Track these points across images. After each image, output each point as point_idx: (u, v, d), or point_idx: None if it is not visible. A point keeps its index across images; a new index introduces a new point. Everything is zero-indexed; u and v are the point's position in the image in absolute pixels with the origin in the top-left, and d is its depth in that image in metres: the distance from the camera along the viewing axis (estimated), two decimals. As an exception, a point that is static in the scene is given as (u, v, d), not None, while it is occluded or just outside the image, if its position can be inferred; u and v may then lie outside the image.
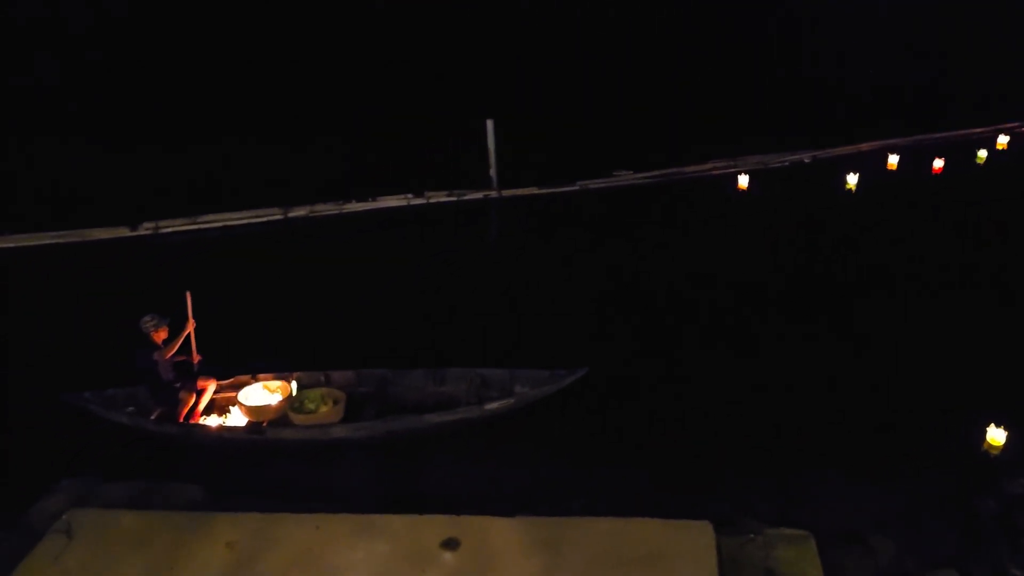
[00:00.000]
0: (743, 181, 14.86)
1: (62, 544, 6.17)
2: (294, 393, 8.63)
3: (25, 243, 13.87)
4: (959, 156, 16.99)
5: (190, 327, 8.44)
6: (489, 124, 15.43)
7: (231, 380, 8.87)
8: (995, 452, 7.88)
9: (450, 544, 6.07)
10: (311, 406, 8.38)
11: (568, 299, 11.59)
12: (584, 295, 11.72)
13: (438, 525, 6.27)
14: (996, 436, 7.92)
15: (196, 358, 8.56)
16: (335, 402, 8.45)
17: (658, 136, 18.87)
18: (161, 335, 8.17)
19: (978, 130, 19.34)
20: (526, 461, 8.02)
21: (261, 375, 8.94)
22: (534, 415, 8.60)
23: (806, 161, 17.44)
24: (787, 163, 17.36)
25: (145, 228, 14.32)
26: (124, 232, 14.25)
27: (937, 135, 19.01)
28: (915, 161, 16.30)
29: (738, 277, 12.12)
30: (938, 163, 15.89)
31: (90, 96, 23.02)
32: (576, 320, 10.91)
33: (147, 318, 8.13)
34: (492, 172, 15.70)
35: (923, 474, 7.68)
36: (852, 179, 15.00)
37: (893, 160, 15.98)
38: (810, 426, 8.47)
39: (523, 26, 30.90)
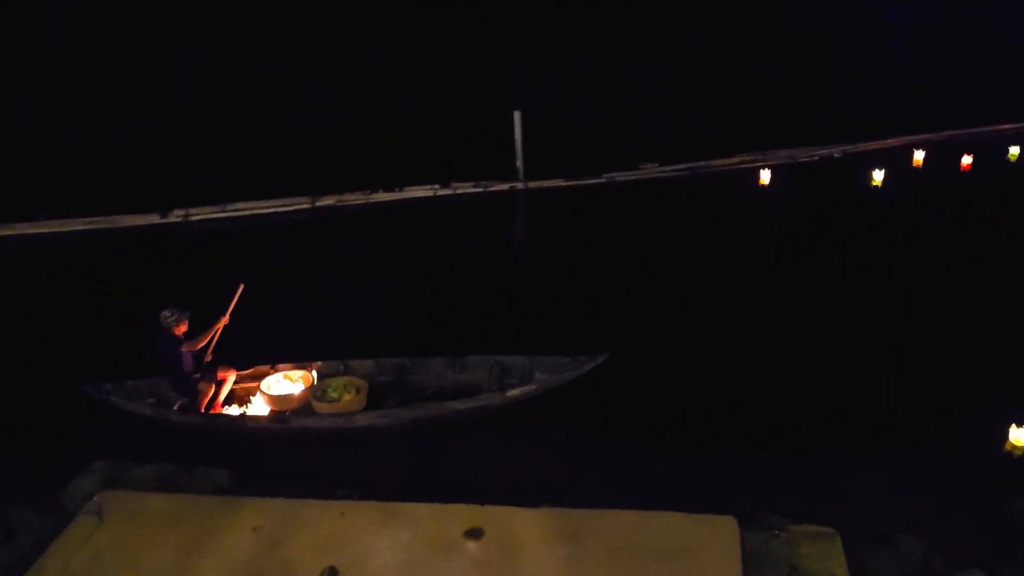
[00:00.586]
0: (765, 176, 14.69)
1: (93, 525, 6.29)
2: (315, 382, 8.69)
3: (58, 228, 14.09)
4: (989, 153, 16.61)
5: (223, 322, 8.43)
6: (517, 115, 15.40)
7: (250, 370, 8.90)
8: (1019, 453, 7.76)
9: (474, 534, 6.09)
10: (334, 395, 8.42)
11: (591, 288, 11.59)
12: (607, 285, 11.71)
13: (462, 514, 6.30)
14: (1020, 436, 7.78)
15: (198, 345, 8.34)
16: (357, 390, 8.48)
17: (687, 129, 18.72)
18: (181, 328, 8.13)
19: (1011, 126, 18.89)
20: (549, 450, 8.03)
21: (281, 365, 8.95)
22: (557, 402, 8.59)
23: (836, 156, 17.22)
24: (816, 158, 17.14)
25: (176, 215, 14.49)
26: (155, 219, 14.42)
27: (967, 131, 18.55)
28: (942, 158, 15.97)
29: (767, 269, 12.03)
30: (966, 160, 15.50)
31: (122, 80, 23.29)
32: (599, 308, 10.88)
33: (167, 312, 8.10)
34: (519, 164, 15.68)
35: (952, 473, 7.57)
36: (878, 175, 14.74)
37: (919, 156, 15.64)
38: (838, 422, 8.40)
39: (552, 17, 30.77)
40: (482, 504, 6.41)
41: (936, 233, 13.21)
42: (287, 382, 8.75)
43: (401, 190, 15.39)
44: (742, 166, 16.53)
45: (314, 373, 8.83)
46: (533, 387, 8.57)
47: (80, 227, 14.17)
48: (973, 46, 26.82)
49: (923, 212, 14.07)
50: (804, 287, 11.46)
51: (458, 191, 15.54)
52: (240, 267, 12.17)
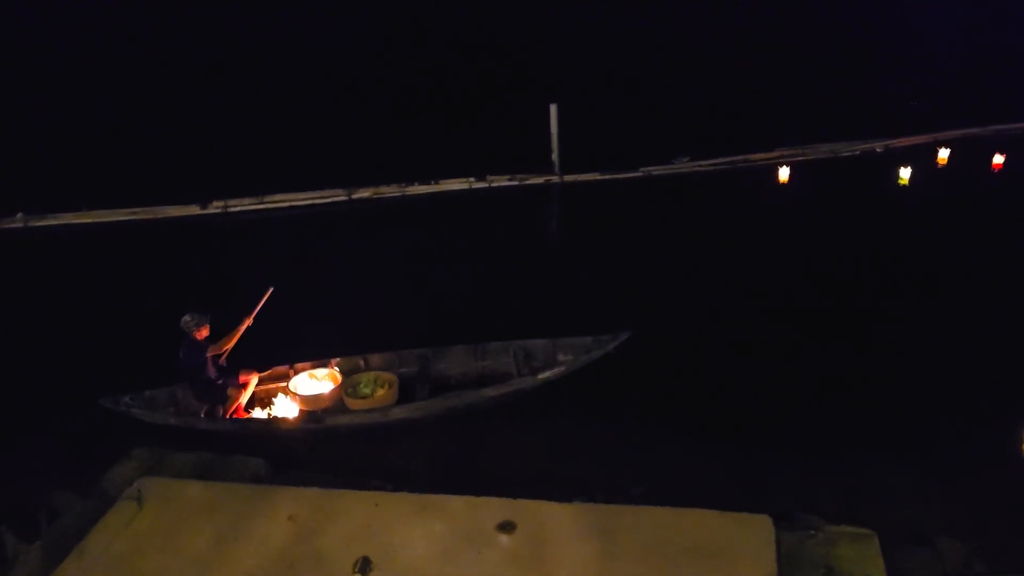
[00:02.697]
0: (783, 174, 14.36)
1: (133, 511, 6.42)
2: (340, 379, 8.63)
3: (102, 219, 14.39)
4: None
5: (247, 323, 8.30)
6: (553, 108, 15.34)
7: (269, 371, 8.76)
8: None
9: (506, 527, 6.10)
10: (366, 390, 8.44)
11: (624, 281, 11.55)
12: (642, 277, 11.66)
13: (494, 507, 6.31)
14: None
15: (224, 348, 8.26)
16: (389, 385, 8.48)
17: (728, 122, 18.48)
18: (203, 333, 7.96)
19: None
20: (582, 443, 8.03)
21: (299, 364, 8.89)
22: (590, 394, 8.58)
23: (878, 151, 16.86)
24: (858, 152, 16.80)
25: (215, 207, 14.69)
26: (195, 211, 14.64)
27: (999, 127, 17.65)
28: (971, 156, 15.23)
29: (813, 266, 11.85)
30: (998, 159, 14.58)
31: (165, 74, 23.66)
32: (633, 300, 10.82)
33: (187, 317, 7.93)
34: (554, 157, 15.62)
35: (994, 476, 7.42)
36: (904, 172, 14.15)
37: (943, 155, 14.91)
38: (878, 421, 8.26)
39: (588, 10, 30.60)
40: (514, 497, 6.41)
41: (962, 234, 12.76)
42: (314, 381, 8.71)
43: (437, 183, 15.41)
44: (782, 161, 16.24)
45: (336, 370, 8.79)
46: (563, 368, 8.56)
47: (124, 217, 14.46)
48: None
49: (950, 212, 13.58)
50: (840, 284, 11.26)
51: (493, 184, 15.52)
52: (274, 259, 12.42)
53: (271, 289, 8.61)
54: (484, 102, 20.31)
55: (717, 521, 6.09)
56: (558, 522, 6.14)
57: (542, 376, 8.47)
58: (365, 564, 5.81)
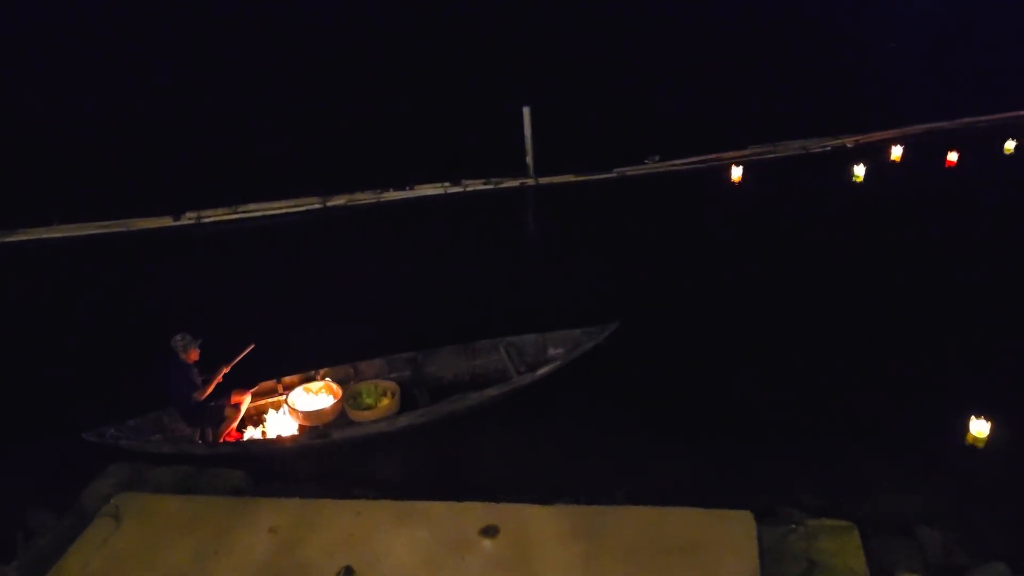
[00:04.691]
0: (736, 173, 14.30)
1: (111, 527, 6.34)
2: (335, 391, 8.50)
3: (73, 233, 14.19)
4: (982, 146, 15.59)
5: (225, 370, 8.05)
6: (526, 111, 15.35)
7: (255, 388, 8.53)
8: (980, 445, 7.65)
9: (489, 531, 6.10)
10: (369, 400, 8.32)
11: (601, 280, 11.58)
12: (619, 277, 11.73)
13: (477, 512, 6.31)
14: (980, 429, 7.67)
15: (204, 394, 7.93)
16: (392, 394, 8.37)
17: (698, 122, 18.60)
18: (192, 355, 7.83)
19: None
20: (564, 445, 8.04)
21: (286, 378, 8.73)
22: (571, 397, 8.60)
23: (848, 146, 17.05)
24: (829, 148, 16.98)
25: (188, 218, 14.54)
26: (168, 222, 14.49)
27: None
28: (927, 153, 15.28)
29: (777, 262, 11.97)
30: (952, 156, 14.42)
31: (131, 85, 23.43)
32: (609, 300, 10.81)
33: (178, 337, 7.80)
34: (529, 160, 15.63)
35: (970, 466, 7.52)
36: (859, 170, 14.04)
37: (897, 152, 14.80)
38: (855, 415, 8.35)
39: (558, 14, 30.68)
40: (497, 501, 6.41)
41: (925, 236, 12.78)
42: (311, 396, 8.53)
43: (412, 188, 15.36)
44: (753, 158, 16.36)
45: (330, 381, 8.64)
46: (558, 361, 8.59)
47: (95, 231, 14.25)
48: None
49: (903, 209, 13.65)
50: (812, 281, 11.36)
51: (468, 188, 15.50)
52: (251, 270, 12.32)
53: (252, 346, 8.32)
54: (457, 107, 20.28)
55: (700, 518, 6.13)
56: (541, 525, 6.15)
57: (541, 372, 8.50)
58: (348, 574, 5.79)
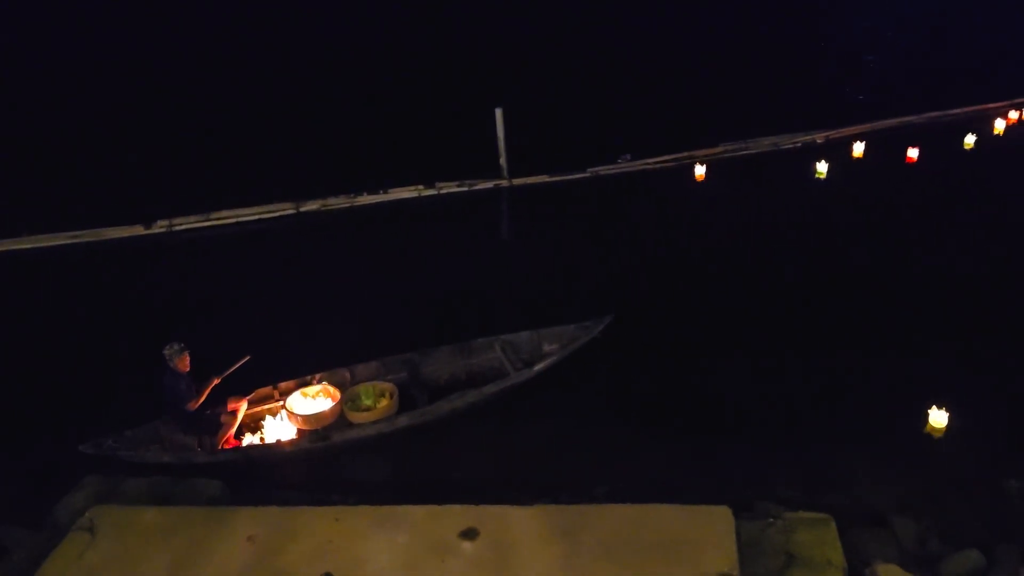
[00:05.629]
0: (700, 171, 14.41)
1: (86, 541, 6.24)
2: (332, 394, 8.47)
3: (42, 243, 13.98)
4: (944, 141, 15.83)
5: (215, 382, 8.02)
6: (498, 113, 15.36)
7: (251, 395, 8.50)
8: (938, 435, 7.79)
9: (469, 534, 6.08)
10: (368, 402, 8.32)
11: (579, 280, 11.65)
12: (596, 275, 11.78)
13: (457, 515, 6.29)
14: (939, 419, 7.80)
15: (195, 404, 7.89)
16: (390, 395, 8.36)
17: (673, 120, 18.72)
18: (183, 363, 7.76)
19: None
20: (543, 445, 8.07)
21: (282, 384, 8.69)
22: (549, 395, 8.63)
23: (819, 142, 17.24)
24: (799, 144, 17.16)
25: (159, 226, 14.38)
26: (139, 231, 14.32)
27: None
28: (889, 149, 15.39)
29: (750, 259, 12.06)
30: (912, 152, 14.59)
31: (101, 92, 23.14)
32: (588, 300, 10.85)
33: (168, 346, 7.75)
34: (502, 161, 15.64)
35: (944, 455, 7.64)
36: (821, 167, 14.22)
37: (859, 149, 14.92)
38: (830, 408, 8.45)
39: (531, 14, 30.75)
40: (476, 504, 6.40)
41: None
42: (308, 399, 8.49)
43: (385, 192, 15.31)
44: (726, 154, 16.51)
45: (327, 385, 8.60)
46: (555, 357, 8.62)
47: (65, 241, 14.04)
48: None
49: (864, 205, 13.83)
50: (779, 277, 11.51)
51: (443, 191, 15.48)
52: (226, 277, 12.20)
53: (247, 358, 8.28)
54: (429, 110, 20.25)
55: (679, 515, 6.16)
56: (521, 525, 6.14)
57: (539, 367, 8.52)
58: (328, 581, 5.75)
